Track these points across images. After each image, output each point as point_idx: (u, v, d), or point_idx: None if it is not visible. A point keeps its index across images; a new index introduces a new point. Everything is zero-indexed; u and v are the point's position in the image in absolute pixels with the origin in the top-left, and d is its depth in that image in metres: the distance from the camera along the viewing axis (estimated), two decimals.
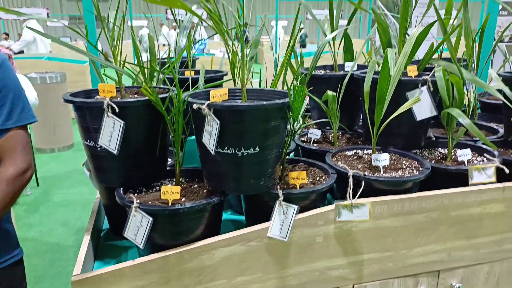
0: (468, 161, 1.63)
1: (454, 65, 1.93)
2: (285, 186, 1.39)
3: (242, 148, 1.17)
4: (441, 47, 2.99)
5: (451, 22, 2.26)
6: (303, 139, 1.99)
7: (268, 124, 1.18)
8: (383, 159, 1.50)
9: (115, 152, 1.15)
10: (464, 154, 1.62)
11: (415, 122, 1.60)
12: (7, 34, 12.34)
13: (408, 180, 1.38)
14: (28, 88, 4.12)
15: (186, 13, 1.43)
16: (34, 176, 4.64)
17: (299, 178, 1.38)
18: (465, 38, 2.18)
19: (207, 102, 1.10)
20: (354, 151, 1.73)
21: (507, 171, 1.45)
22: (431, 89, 1.55)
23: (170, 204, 1.19)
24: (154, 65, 1.46)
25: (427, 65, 2.06)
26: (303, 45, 14.78)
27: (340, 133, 2.07)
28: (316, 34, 16.09)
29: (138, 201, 1.16)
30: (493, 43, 2.15)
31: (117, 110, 1.11)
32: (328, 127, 2.00)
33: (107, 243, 1.52)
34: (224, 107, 1.12)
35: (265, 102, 1.15)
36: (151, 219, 1.13)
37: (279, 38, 14.69)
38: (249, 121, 1.14)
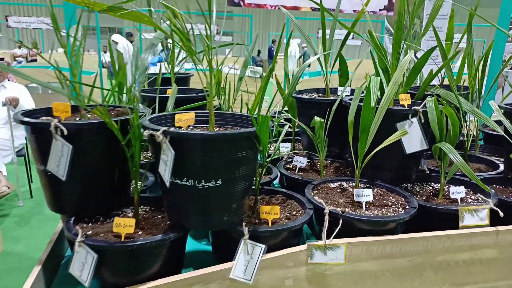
0: (462, 200, 1.51)
1: (452, 94, 1.82)
2: (256, 221, 1.28)
3: (203, 181, 1.06)
4: (442, 74, 2.88)
5: (453, 48, 2.16)
6: (289, 166, 1.89)
7: (232, 155, 1.07)
8: (366, 194, 1.38)
9: (63, 178, 1.06)
10: (457, 192, 1.49)
11: (405, 155, 1.48)
12: (21, 42, 12.59)
13: (390, 221, 1.26)
14: (24, 98, 4.10)
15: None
16: (28, 187, 4.59)
17: (271, 213, 1.26)
18: (468, 65, 2.08)
19: (162, 129, 1.01)
20: (339, 182, 1.61)
21: (501, 214, 1.32)
22: (423, 120, 1.43)
23: (122, 238, 1.09)
24: (124, 82, 1.37)
25: (429, 93, 1.95)
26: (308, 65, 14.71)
27: (329, 161, 1.95)
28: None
29: (84, 234, 1.06)
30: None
31: (65, 132, 1.02)
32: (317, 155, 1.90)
33: (67, 272, 1.41)
34: (181, 135, 1.02)
35: (226, 132, 1.05)
36: (96, 255, 1.02)
37: (294, 56, 14.70)
38: (210, 151, 1.04)
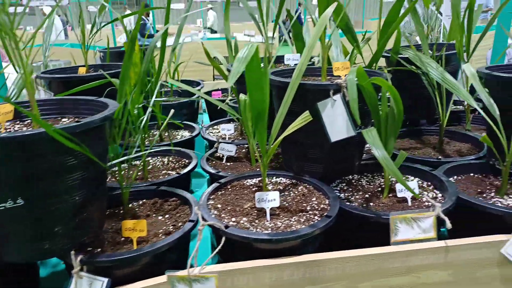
0: (414, 199, 1.15)
1: (424, 56, 1.42)
2: (122, 239, 0.99)
3: None
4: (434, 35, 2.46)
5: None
6: (218, 154, 1.57)
7: (35, 164, 0.78)
8: (270, 199, 1.05)
9: None
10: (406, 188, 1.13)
11: (340, 142, 1.13)
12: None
13: (285, 239, 0.93)
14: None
15: None
16: None
17: (135, 229, 0.97)
18: (452, 15, 1.64)
19: None
20: (259, 178, 1.28)
21: (449, 225, 0.95)
22: (347, 98, 1.06)
23: None
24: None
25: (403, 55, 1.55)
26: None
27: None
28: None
29: None
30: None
31: None
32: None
33: None
34: None
35: (16, 134, 0.75)
36: None
37: None
38: None
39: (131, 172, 1.46)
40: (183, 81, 2.37)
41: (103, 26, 1.68)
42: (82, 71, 1.62)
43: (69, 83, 1.40)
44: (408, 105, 1.78)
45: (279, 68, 1.53)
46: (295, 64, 1.72)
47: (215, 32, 10.60)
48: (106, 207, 1.02)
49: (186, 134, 1.86)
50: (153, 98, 1.10)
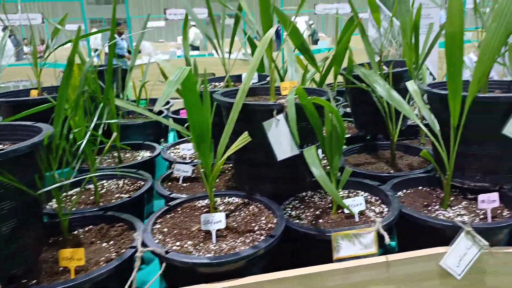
0: (362, 214, 1.16)
1: (372, 74, 1.45)
2: (59, 270, 0.97)
3: None
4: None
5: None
6: (175, 175, 1.56)
7: None
8: (216, 220, 1.05)
9: None
10: (354, 204, 1.14)
11: (289, 160, 1.14)
12: (28, 39, 12.42)
13: (223, 263, 0.92)
14: None
15: None
16: None
17: (73, 258, 0.95)
18: (402, 36, 1.69)
19: None
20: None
21: (387, 240, 0.97)
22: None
23: None
24: None
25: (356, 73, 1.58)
26: (315, 41, 14.08)
27: (230, 166, 1.61)
28: (323, 29, 15.22)
29: None
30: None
31: None
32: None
33: None
34: None
35: None
36: None
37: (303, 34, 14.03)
38: None
39: (83, 196, 1.44)
40: (152, 100, 2.36)
41: (58, 47, 1.68)
42: (34, 93, 1.60)
43: (17, 107, 1.39)
44: (365, 120, 1.84)
45: (234, 88, 1.55)
46: (253, 83, 1.74)
47: (197, 48, 10.62)
48: (43, 235, 0.99)
49: (147, 154, 1.85)
50: (94, 121, 1.09)
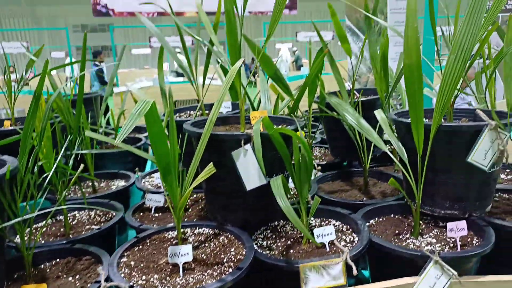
0: (331, 243, 1.15)
1: (342, 103, 1.47)
2: None
3: None
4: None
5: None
6: (147, 205, 1.54)
7: None
8: (184, 253, 1.03)
9: None
10: (324, 234, 1.14)
11: (259, 189, 1.13)
12: (13, 67, 12.36)
13: None
14: None
15: None
16: None
17: None
18: (372, 65, 1.74)
19: None
20: (182, 230, 1.26)
21: (355, 272, 0.96)
22: None
23: None
24: None
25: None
26: (299, 67, 14.35)
27: (202, 195, 1.60)
28: (305, 55, 15.61)
29: None
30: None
31: None
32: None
33: None
34: None
35: None
36: None
37: (286, 60, 14.27)
38: None
39: (53, 228, 1.41)
40: (136, 127, 2.36)
41: (31, 78, 1.68)
42: (7, 124, 1.58)
43: None
44: (340, 147, 1.86)
45: (205, 117, 1.55)
46: (227, 112, 1.75)
47: (182, 75, 10.71)
48: (5, 270, 0.96)
49: (122, 183, 1.83)
50: (61, 152, 1.08)
